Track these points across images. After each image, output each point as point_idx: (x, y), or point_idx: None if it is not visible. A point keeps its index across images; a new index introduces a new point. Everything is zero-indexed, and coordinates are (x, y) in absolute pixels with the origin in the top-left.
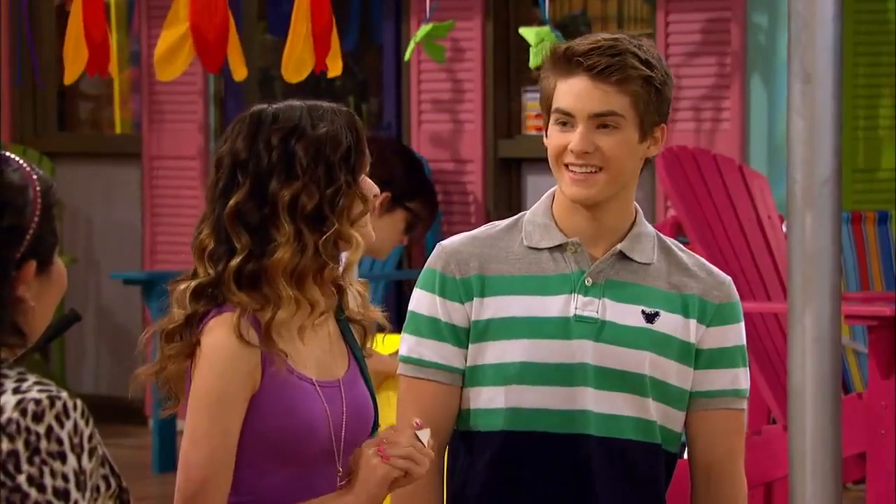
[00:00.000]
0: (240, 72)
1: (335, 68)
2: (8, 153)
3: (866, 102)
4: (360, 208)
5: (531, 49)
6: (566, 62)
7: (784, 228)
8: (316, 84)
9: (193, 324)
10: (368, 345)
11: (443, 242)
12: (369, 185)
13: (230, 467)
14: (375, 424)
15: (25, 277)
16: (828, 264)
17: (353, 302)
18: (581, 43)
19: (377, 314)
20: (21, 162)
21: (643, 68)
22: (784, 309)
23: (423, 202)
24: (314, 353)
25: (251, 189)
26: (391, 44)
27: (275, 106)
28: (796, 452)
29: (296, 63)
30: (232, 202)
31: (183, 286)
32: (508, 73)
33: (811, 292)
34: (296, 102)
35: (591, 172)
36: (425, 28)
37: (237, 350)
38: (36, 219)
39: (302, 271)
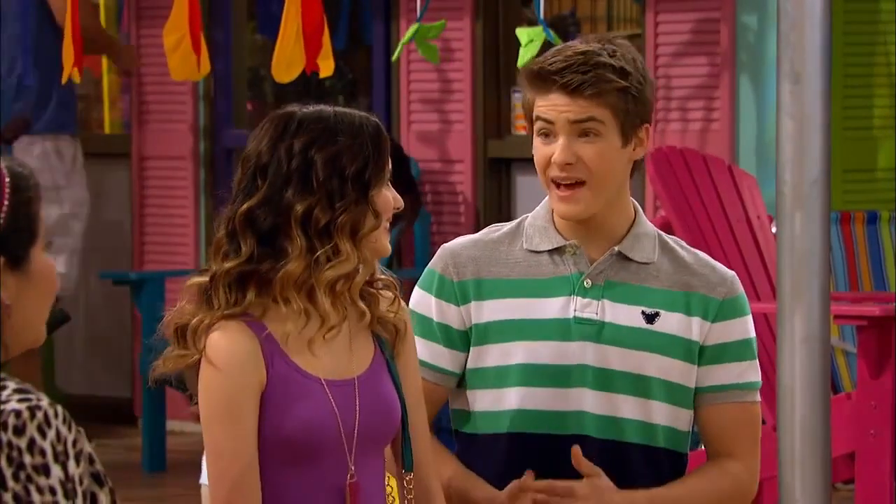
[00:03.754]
0: (202, 70)
1: (327, 68)
2: None
3: (856, 102)
4: (371, 223)
5: (521, 49)
6: (541, 80)
7: (773, 228)
8: (305, 84)
9: (200, 329)
10: (398, 345)
11: (446, 244)
12: (385, 200)
13: (254, 469)
14: (404, 421)
15: None
16: (817, 264)
17: (384, 304)
18: (553, 60)
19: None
20: None
21: (618, 80)
22: (773, 309)
23: (406, 199)
24: (326, 354)
25: (267, 195)
26: (381, 43)
27: (303, 111)
28: (786, 452)
29: (286, 63)
30: (245, 206)
31: (196, 281)
32: (498, 73)
33: (800, 292)
34: (326, 109)
35: (576, 186)
36: (413, 28)
37: (238, 354)
38: (4, 213)
39: (313, 284)
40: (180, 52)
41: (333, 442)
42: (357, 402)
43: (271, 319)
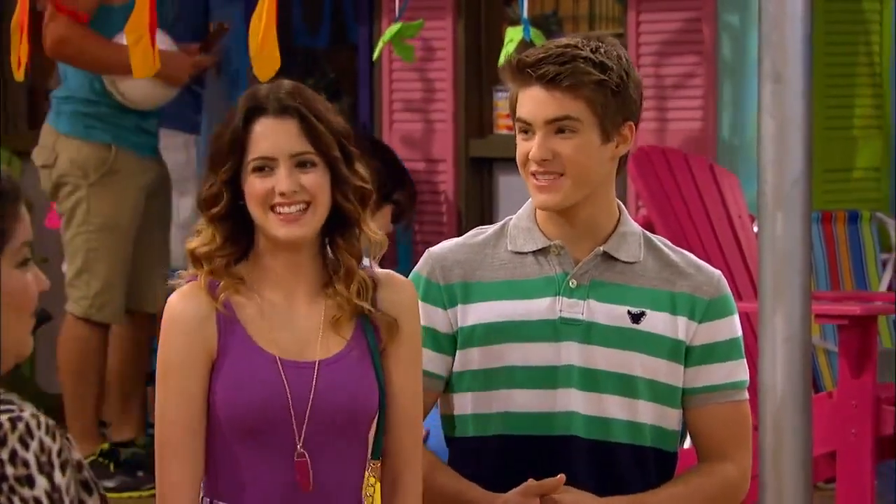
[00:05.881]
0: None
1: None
2: None
3: (837, 102)
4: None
5: (503, 49)
6: (520, 73)
7: (755, 228)
8: None
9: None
10: (388, 342)
11: (431, 248)
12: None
13: (194, 436)
14: (381, 411)
15: None
16: (798, 264)
17: (384, 299)
18: (533, 53)
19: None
20: None
21: (595, 72)
22: (755, 308)
23: (404, 191)
24: (289, 333)
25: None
26: (364, 43)
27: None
28: (767, 451)
29: (262, 61)
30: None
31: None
32: (480, 73)
33: (782, 292)
34: None
35: (554, 178)
36: (394, 28)
37: (182, 320)
38: None
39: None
40: (139, 51)
41: (283, 421)
42: (313, 385)
43: (244, 292)
